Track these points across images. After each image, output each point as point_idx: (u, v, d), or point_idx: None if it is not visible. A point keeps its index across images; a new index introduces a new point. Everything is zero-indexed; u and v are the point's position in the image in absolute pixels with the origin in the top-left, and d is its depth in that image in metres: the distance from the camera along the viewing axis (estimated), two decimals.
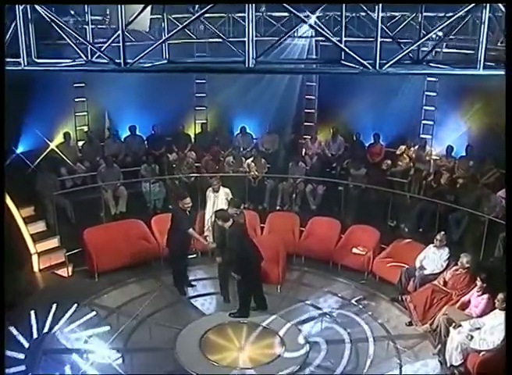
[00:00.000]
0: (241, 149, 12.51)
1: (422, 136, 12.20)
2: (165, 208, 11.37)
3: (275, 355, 7.25)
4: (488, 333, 6.79)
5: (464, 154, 11.37)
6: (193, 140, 12.87)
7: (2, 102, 5.19)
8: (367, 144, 12.48)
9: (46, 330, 7.54)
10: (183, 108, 12.82)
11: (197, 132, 13.23)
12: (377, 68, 3.78)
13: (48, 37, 5.97)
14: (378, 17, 3.78)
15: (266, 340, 7.63)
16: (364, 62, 3.81)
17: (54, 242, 9.75)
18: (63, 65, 4.30)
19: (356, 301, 8.74)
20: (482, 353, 6.72)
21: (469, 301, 7.57)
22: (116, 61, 4.07)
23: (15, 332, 7.18)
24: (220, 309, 8.55)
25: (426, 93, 12.12)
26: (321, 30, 4.36)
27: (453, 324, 7.07)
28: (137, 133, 12.30)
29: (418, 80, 11.72)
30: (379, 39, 3.79)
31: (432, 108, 12.15)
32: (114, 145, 11.99)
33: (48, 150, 11.37)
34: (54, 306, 7.80)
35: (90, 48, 4.20)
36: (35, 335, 7.40)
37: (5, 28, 4.07)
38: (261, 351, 7.39)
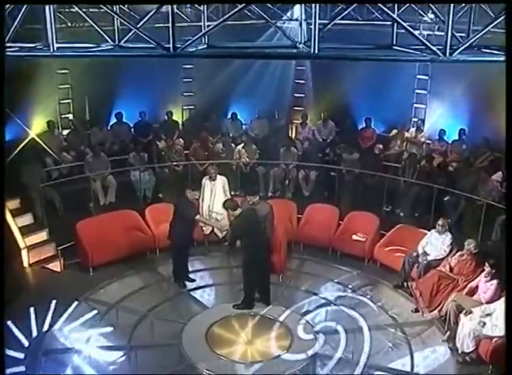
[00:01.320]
0: (230, 135, 12.24)
1: (414, 119, 12.12)
2: (154, 197, 11.13)
3: (285, 347, 7.08)
4: (500, 319, 6.73)
5: (456, 138, 11.34)
6: (180, 126, 12.55)
7: (2, 101, 4.89)
8: (358, 129, 12.38)
9: (44, 328, 7.27)
10: (170, 94, 12.46)
11: (184, 118, 12.89)
12: (447, 55, 3.58)
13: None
14: (450, 5, 3.57)
15: (273, 331, 7.46)
16: (435, 49, 3.60)
17: (42, 236, 9.39)
18: (95, 50, 3.98)
19: (359, 288, 8.66)
20: (495, 339, 6.69)
21: (477, 287, 7.53)
22: (165, 46, 3.75)
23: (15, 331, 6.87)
24: (221, 301, 8.37)
25: (418, 76, 12.03)
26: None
27: (464, 311, 7.02)
28: (124, 120, 11.91)
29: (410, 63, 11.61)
30: (450, 25, 3.59)
31: (424, 92, 12.08)
32: (100, 133, 11.59)
33: (28, 139, 10.93)
34: (49, 303, 7.54)
35: (118, 32, 3.90)
36: (34, 334, 7.14)
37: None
38: (270, 343, 7.22)
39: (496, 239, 9.37)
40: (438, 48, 3.62)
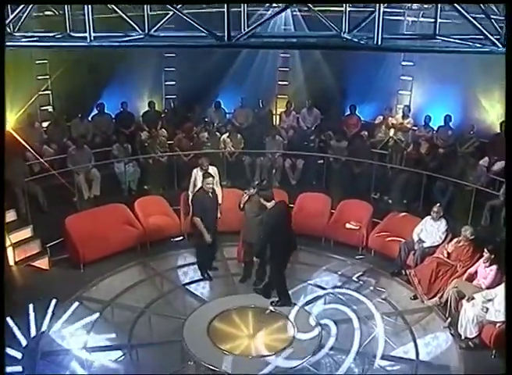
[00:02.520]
0: (214, 125, 12.01)
1: (399, 106, 12.12)
2: (139, 189, 10.89)
3: (289, 340, 6.99)
4: (503, 304, 6.78)
5: (442, 124, 11.37)
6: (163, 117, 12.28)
7: (3, 101, 4.65)
8: (343, 116, 12.33)
9: (39, 329, 6.99)
10: (151, 84, 12.16)
11: (167, 108, 12.61)
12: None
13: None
14: None
15: (275, 324, 7.35)
16: (494, 40, 3.49)
17: (27, 232, 9.09)
18: (127, 39, 3.75)
19: (356, 277, 8.63)
20: (498, 324, 6.75)
21: (476, 273, 7.58)
22: (217, 34, 3.52)
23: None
24: (217, 294, 8.24)
25: (403, 63, 12.00)
26: None
27: (466, 297, 7.06)
28: (106, 111, 11.57)
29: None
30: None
31: (409, 78, 12.06)
32: (81, 125, 11.23)
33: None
34: (40, 303, 7.26)
35: (148, 22, 3.67)
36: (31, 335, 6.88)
37: None
38: (273, 336, 7.11)
39: (485, 224, 9.46)
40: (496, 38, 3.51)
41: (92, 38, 3.57)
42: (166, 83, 12.71)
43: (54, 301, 7.19)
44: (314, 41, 4.63)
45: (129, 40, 3.73)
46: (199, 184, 9.08)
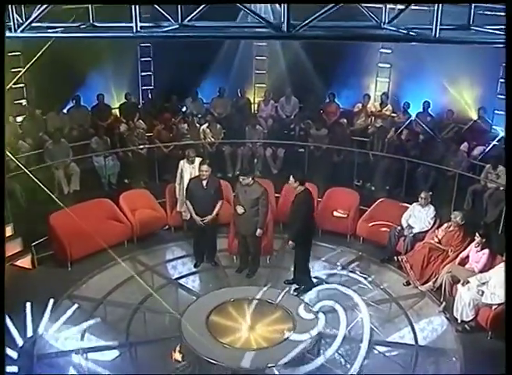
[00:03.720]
0: (193, 115, 11.84)
1: (378, 93, 12.18)
2: (120, 183, 10.67)
3: (288, 330, 6.94)
4: (498, 287, 6.92)
5: (421, 110, 11.49)
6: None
7: (3, 100, 4.49)
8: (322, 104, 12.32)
9: (31, 332, 6.78)
10: (127, 75, 11.86)
11: (144, 99, 12.35)
12: None
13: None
14: None
15: (273, 314, 7.30)
16: None
17: (7, 231, 8.74)
18: (165, 30, 3.56)
19: (347, 265, 8.66)
20: (494, 307, 6.88)
21: (467, 257, 7.70)
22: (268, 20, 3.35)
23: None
24: (208, 287, 8.14)
25: (381, 50, 12.06)
26: None
27: (462, 281, 7.17)
28: (82, 103, 11.25)
29: None
30: None
31: (387, 66, 12.14)
32: (57, 118, 10.90)
33: None
34: (30, 303, 7.04)
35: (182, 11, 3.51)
36: (23, 338, 6.66)
37: None
38: (273, 327, 7.03)
39: (467, 208, 9.62)
40: None
41: (139, 28, 3.41)
42: (142, 73, 12.42)
43: (50, 301, 7.05)
44: (363, 32, 4.51)
45: (167, 31, 3.58)
46: (186, 176, 8.98)
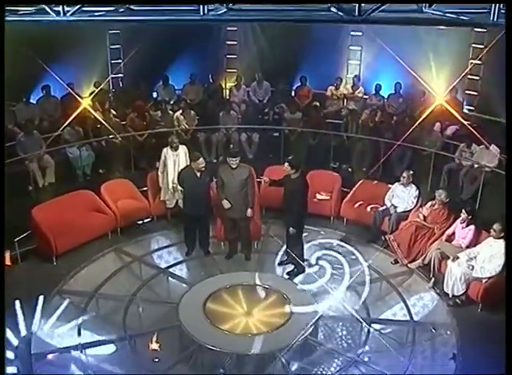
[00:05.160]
0: (165, 102, 11.64)
1: (349, 76, 12.28)
2: (94, 173, 10.45)
3: (287, 314, 6.98)
4: (487, 261, 7.17)
5: (393, 91, 11.66)
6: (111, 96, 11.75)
7: (3, 100, 4.32)
8: (293, 88, 12.35)
9: (25, 331, 6.60)
10: (97, 63, 11.55)
11: (114, 87, 12.06)
12: None
13: None
14: None
15: (269, 299, 7.32)
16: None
17: None
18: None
19: (333, 246, 8.74)
20: (484, 280, 7.13)
21: (453, 234, 7.92)
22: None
23: None
24: (197, 275, 8.06)
25: (352, 33, 12.14)
26: None
27: (452, 257, 7.37)
28: (52, 93, 10.90)
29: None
30: None
31: (358, 48, 12.24)
32: (27, 109, 10.52)
33: None
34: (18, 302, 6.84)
35: None
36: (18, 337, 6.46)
37: None
38: (270, 311, 7.06)
39: (443, 186, 9.85)
40: None
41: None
42: (112, 61, 12.09)
43: (40, 298, 6.84)
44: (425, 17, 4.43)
45: (222, 13, 3.47)
46: (170, 163, 8.87)
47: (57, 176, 10.02)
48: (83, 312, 7.18)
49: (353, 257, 8.42)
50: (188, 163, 8.86)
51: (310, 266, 8.22)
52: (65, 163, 10.20)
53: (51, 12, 4.43)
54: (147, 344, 6.65)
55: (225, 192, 7.92)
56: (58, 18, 4.08)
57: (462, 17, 4.12)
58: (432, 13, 4.08)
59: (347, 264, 8.16)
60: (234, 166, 7.84)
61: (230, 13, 3.62)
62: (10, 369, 5.97)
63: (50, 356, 6.46)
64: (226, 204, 7.86)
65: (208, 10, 3.69)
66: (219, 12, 3.77)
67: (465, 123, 10.58)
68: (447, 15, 4.07)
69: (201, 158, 7.93)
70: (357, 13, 3.50)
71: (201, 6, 3.37)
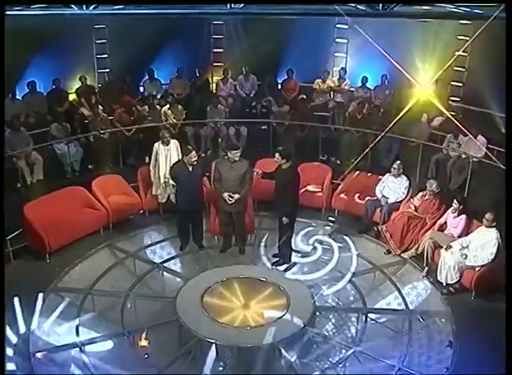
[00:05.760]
0: (153, 97, 11.57)
1: (336, 68, 12.34)
2: (83, 169, 10.37)
3: (284, 306, 7.02)
4: (480, 249, 7.29)
5: (379, 83, 11.74)
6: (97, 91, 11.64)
7: (3, 101, 4.27)
8: (280, 81, 12.37)
9: (23, 329, 6.59)
10: (83, 58, 11.44)
11: (100, 83, 11.95)
12: None
13: None
14: None
15: (265, 291, 7.35)
16: None
17: None
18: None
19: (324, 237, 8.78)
20: (477, 268, 7.25)
21: (445, 223, 8.03)
22: None
23: None
24: (192, 270, 8.06)
25: (337, 25, 12.19)
26: None
27: (445, 246, 7.48)
28: (37, 89, 10.76)
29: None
30: None
31: (344, 41, 12.29)
32: (13, 106, 10.36)
33: None
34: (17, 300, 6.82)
35: None
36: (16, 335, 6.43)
37: None
38: (267, 303, 7.10)
39: (431, 177, 9.97)
40: None
41: None
42: (98, 56, 11.97)
43: (38, 296, 6.85)
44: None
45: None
46: (161, 158, 8.85)
47: (45, 173, 9.94)
48: (80, 309, 7.14)
49: (346, 247, 8.52)
50: (180, 157, 8.87)
51: (303, 256, 8.28)
52: (53, 160, 10.12)
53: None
54: (143, 341, 6.66)
55: (223, 186, 7.91)
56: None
57: (476, 11, 4.17)
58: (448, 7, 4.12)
59: (339, 254, 8.23)
60: (236, 159, 7.82)
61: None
62: (10, 366, 5.98)
63: (49, 354, 6.40)
64: (229, 198, 7.84)
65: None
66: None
67: (448, 114, 10.69)
68: (461, 8, 4.12)
69: (193, 152, 7.90)
70: (380, 7, 3.52)
71: None
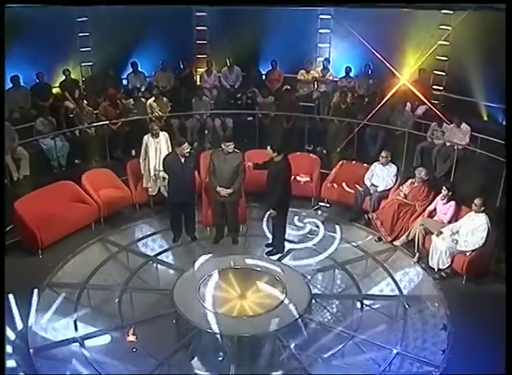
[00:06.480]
0: (137, 89, 11.50)
1: (319, 59, 12.41)
2: (70, 164, 10.28)
3: (280, 295, 7.05)
4: (470, 234, 7.46)
5: (362, 72, 11.84)
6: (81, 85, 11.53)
7: (2, 100, 4.25)
8: (264, 72, 12.40)
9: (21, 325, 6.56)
10: (66, 51, 11.30)
11: (84, 76, 11.82)
12: None
13: None
14: None
15: (260, 280, 7.32)
16: None
17: None
18: None
19: (316, 226, 8.89)
20: (468, 253, 7.42)
21: (434, 210, 8.19)
22: None
23: None
24: (185, 262, 8.04)
25: (320, 16, 12.25)
26: None
27: (436, 232, 7.63)
28: (21, 84, 10.61)
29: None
30: None
31: (328, 31, 12.36)
32: None
33: None
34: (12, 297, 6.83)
35: None
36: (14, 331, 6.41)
37: None
38: (264, 292, 7.13)
39: (417, 165, 10.13)
40: None
41: None
42: (81, 49, 11.81)
43: (32, 292, 6.83)
44: None
45: None
46: (151, 151, 8.83)
47: (32, 169, 9.81)
48: (76, 304, 7.11)
49: (336, 235, 8.67)
50: (170, 150, 8.87)
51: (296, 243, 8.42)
52: (39, 155, 10.00)
53: None
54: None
55: (217, 178, 7.93)
56: None
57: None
58: None
59: (330, 242, 8.44)
60: (230, 151, 7.85)
61: None
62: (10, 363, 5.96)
63: (48, 350, 6.38)
64: (223, 191, 7.87)
65: None
66: None
67: (427, 103, 10.89)
68: None
69: (186, 144, 7.88)
70: None
71: None
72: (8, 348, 6.14)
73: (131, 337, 6.63)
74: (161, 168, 8.55)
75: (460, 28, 10.80)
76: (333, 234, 8.68)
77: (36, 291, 7.10)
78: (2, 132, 5.23)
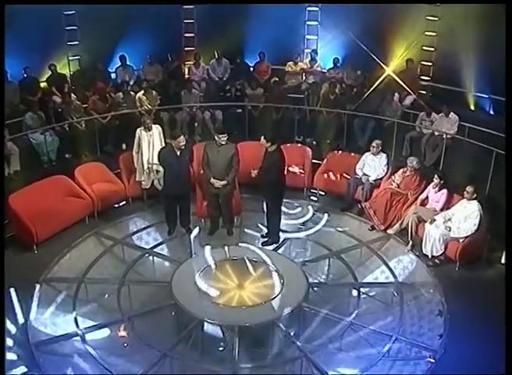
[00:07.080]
0: (126, 83, 11.44)
1: (307, 50, 12.46)
2: (60, 158, 10.21)
3: (278, 284, 7.13)
4: (463, 221, 7.61)
5: (350, 64, 11.92)
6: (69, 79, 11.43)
7: (2, 99, 4.24)
8: (252, 64, 12.42)
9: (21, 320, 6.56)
10: (53, 45, 11.19)
11: (72, 70, 11.73)
12: None
13: None
14: None
15: (257, 271, 7.37)
16: None
17: None
18: None
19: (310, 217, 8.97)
20: (462, 240, 7.56)
21: (426, 198, 8.31)
22: None
23: None
24: (179, 255, 8.07)
25: (308, 9, 12.29)
26: None
27: (429, 220, 7.75)
28: (9, 79, 10.49)
29: None
30: None
31: (315, 23, 12.40)
32: None
33: None
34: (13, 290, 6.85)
35: None
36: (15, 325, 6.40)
37: None
38: (261, 283, 7.19)
39: (406, 154, 10.25)
40: None
41: None
42: (69, 43, 11.71)
43: (33, 287, 6.82)
44: None
45: None
46: (144, 144, 8.82)
47: (22, 164, 9.71)
48: (75, 298, 7.11)
49: (330, 224, 8.77)
50: (163, 142, 8.87)
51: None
52: (29, 150, 9.91)
53: None
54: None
55: (211, 169, 7.96)
56: None
57: None
58: None
59: (325, 231, 8.53)
60: (224, 143, 7.87)
61: None
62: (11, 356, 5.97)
63: (49, 344, 6.38)
64: (217, 183, 7.91)
65: None
66: None
67: (412, 94, 11.00)
68: None
69: (182, 136, 7.88)
70: None
71: None
72: (9, 341, 6.16)
73: (122, 333, 6.67)
74: (155, 161, 8.58)
75: (446, 18, 10.92)
76: (325, 223, 8.76)
77: (34, 285, 7.10)
78: (2, 130, 5.21)
